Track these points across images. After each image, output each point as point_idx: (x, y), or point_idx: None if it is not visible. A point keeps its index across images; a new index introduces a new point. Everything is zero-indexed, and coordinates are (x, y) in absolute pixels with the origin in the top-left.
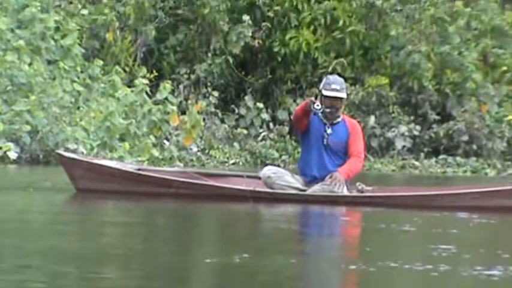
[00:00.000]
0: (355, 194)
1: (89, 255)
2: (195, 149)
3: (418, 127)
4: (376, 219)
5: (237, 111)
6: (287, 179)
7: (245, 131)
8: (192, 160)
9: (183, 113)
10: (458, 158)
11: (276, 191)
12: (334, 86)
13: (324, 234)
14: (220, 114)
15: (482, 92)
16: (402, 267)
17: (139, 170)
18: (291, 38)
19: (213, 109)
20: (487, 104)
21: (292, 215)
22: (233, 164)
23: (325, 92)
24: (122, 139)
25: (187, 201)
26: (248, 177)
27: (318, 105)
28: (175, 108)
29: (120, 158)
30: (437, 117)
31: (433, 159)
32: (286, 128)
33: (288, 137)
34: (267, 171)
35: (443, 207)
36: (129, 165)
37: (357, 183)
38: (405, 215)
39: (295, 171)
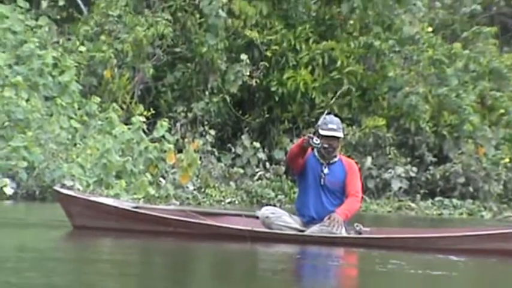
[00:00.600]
0: (353, 235)
1: None
2: (191, 188)
3: (414, 169)
4: (375, 261)
5: (233, 150)
6: (285, 219)
7: (241, 170)
8: (188, 198)
9: (180, 151)
10: (454, 200)
11: (275, 231)
12: (331, 125)
13: (321, 276)
14: (216, 153)
15: (480, 135)
16: None
17: (136, 207)
18: (288, 78)
19: (209, 148)
20: (484, 146)
21: (290, 255)
22: (229, 203)
23: (322, 132)
24: (118, 176)
25: (185, 240)
26: (246, 216)
27: (316, 140)
28: (172, 146)
29: (116, 196)
30: (434, 159)
31: (429, 201)
32: (283, 168)
33: (284, 176)
34: (265, 211)
35: (442, 250)
36: (126, 203)
37: (355, 224)
38: (404, 257)
39: (291, 211)
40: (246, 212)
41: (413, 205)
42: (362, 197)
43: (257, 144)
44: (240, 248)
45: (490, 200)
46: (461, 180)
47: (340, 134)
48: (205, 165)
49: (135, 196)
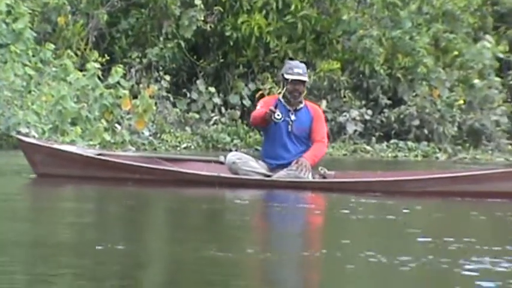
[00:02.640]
0: (320, 179)
1: (37, 242)
2: (146, 133)
3: (369, 112)
4: (341, 205)
5: (188, 95)
6: (252, 165)
7: (197, 115)
8: (143, 144)
9: (135, 97)
10: (409, 143)
11: (241, 176)
12: (297, 69)
13: (288, 220)
14: (172, 99)
15: (434, 77)
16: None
17: (100, 154)
18: (242, 22)
19: (164, 93)
20: (438, 88)
21: (258, 200)
22: (185, 148)
23: (287, 76)
24: (73, 123)
25: (151, 186)
26: (212, 162)
27: (278, 115)
28: (127, 92)
29: (72, 142)
30: (389, 102)
31: (384, 144)
32: (238, 113)
33: (239, 121)
34: (232, 156)
35: (408, 193)
36: (90, 150)
37: (319, 168)
38: (369, 201)
39: (249, 155)
40: (211, 157)
41: (368, 148)
42: (328, 142)
43: (212, 89)
44: (207, 194)
45: (444, 142)
46: (416, 122)
47: (305, 78)
48: (161, 111)
49: (90, 142)
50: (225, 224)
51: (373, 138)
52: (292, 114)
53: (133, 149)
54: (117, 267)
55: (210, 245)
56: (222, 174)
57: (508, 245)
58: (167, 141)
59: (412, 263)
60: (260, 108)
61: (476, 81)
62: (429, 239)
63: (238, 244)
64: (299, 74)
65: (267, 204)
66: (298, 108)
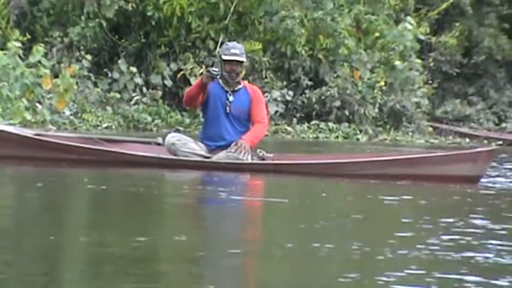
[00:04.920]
0: (259, 161)
1: None
2: (67, 113)
3: (290, 92)
4: (286, 188)
5: (110, 75)
6: (191, 146)
7: (118, 95)
8: (64, 124)
9: (56, 76)
10: (330, 124)
11: (181, 157)
12: (234, 50)
13: (225, 202)
14: (93, 78)
15: (355, 58)
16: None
17: (38, 135)
18: (164, 2)
19: (86, 73)
20: (359, 70)
21: (196, 181)
22: (106, 127)
23: (224, 57)
24: None
25: (88, 167)
26: (150, 143)
27: (215, 69)
28: (48, 71)
29: None
30: (310, 83)
31: (306, 125)
32: (160, 93)
33: (161, 101)
34: (171, 138)
35: (347, 176)
36: (27, 131)
37: (258, 150)
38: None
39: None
40: (150, 139)
41: (289, 129)
42: (267, 123)
43: (134, 69)
44: (145, 175)
45: (365, 123)
46: (337, 103)
47: (243, 59)
48: (82, 91)
49: (11, 122)
50: (152, 208)
51: (294, 119)
52: (230, 95)
53: (54, 128)
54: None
55: (130, 230)
56: (161, 155)
57: (399, 231)
58: (88, 120)
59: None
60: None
61: (397, 63)
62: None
63: (157, 229)
64: (235, 54)
65: (203, 186)
66: (236, 89)
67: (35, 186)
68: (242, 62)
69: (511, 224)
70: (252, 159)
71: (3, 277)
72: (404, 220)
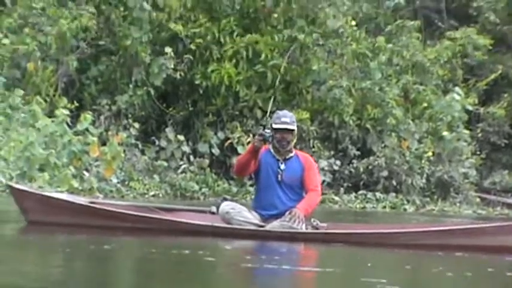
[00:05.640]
0: (314, 230)
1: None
2: (115, 181)
3: (338, 162)
4: (334, 257)
5: (157, 143)
6: (245, 215)
7: (165, 163)
8: (111, 191)
9: (104, 144)
10: (377, 194)
11: (235, 226)
12: (284, 119)
13: (281, 273)
14: (140, 146)
15: (403, 128)
16: None
17: (91, 203)
18: (212, 71)
19: (133, 141)
20: (407, 140)
21: (249, 251)
22: (153, 196)
23: (275, 126)
24: (41, 169)
25: (144, 236)
26: (205, 212)
27: (267, 131)
28: (95, 139)
29: (40, 189)
30: (358, 153)
31: (353, 195)
32: (207, 161)
33: (208, 169)
34: (226, 206)
35: (402, 246)
36: (81, 198)
37: (312, 220)
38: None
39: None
40: (203, 207)
41: (336, 198)
42: (321, 191)
43: (181, 137)
44: (200, 244)
45: (413, 194)
46: (385, 173)
47: (293, 127)
48: (129, 158)
49: (58, 189)
50: (206, 277)
51: (342, 189)
52: (281, 163)
53: (101, 196)
54: None
55: None
56: (215, 224)
57: None
58: (135, 188)
59: None
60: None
61: (445, 133)
62: None
63: None
64: (286, 122)
65: (257, 255)
66: (287, 157)
67: (87, 254)
68: (293, 130)
69: None
70: (306, 229)
71: None
72: None
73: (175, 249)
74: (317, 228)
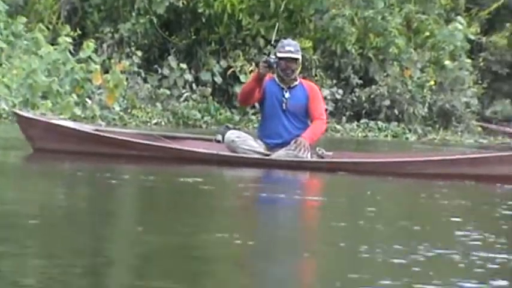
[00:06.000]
0: (319, 159)
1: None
2: (117, 108)
3: (340, 91)
4: (338, 186)
5: (160, 71)
6: (251, 144)
7: (168, 92)
8: (114, 119)
9: (106, 72)
10: (379, 123)
11: (240, 155)
12: (288, 48)
13: (285, 202)
14: (143, 74)
15: (405, 57)
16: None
17: (97, 130)
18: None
19: (136, 69)
20: (409, 69)
21: (254, 180)
22: (155, 124)
23: (279, 54)
24: (44, 97)
25: (150, 163)
26: (211, 140)
27: (272, 57)
28: (98, 67)
29: (44, 115)
30: (360, 82)
31: (355, 123)
32: (209, 89)
33: (210, 98)
34: (231, 135)
35: (409, 175)
36: (87, 126)
37: (317, 148)
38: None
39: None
40: (208, 136)
41: (338, 127)
42: (326, 120)
43: (184, 66)
44: (204, 172)
45: (414, 123)
46: (387, 102)
47: (298, 56)
48: (132, 86)
49: (61, 116)
50: (209, 205)
51: (344, 118)
52: (286, 92)
53: (104, 123)
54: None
55: (182, 227)
56: (221, 152)
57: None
58: (138, 116)
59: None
60: None
61: (447, 62)
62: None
63: (211, 226)
64: (291, 51)
65: (262, 184)
66: (292, 85)
67: (91, 181)
68: (297, 59)
69: None
70: (312, 157)
71: (47, 266)
72: (453, 220)
73: (180, 177)
74: (322, 157)
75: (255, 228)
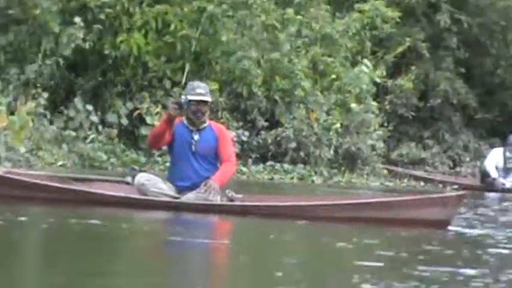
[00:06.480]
0: (229, 202)
1: None
2: (22, 150)
3: (246, 133)
4: (245, 230)
5: (66, 112)
6: (161, 186)
7: (74, 133)
8: (19, 161)
9: (12, 113)
10: (285, 165)
11: (150, 197)
12: (199, 90)
13: (187, 247)
14: (49, 116)
15: (311, 100)
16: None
17: (7, 173)
18: (121, 41)
19: (42, 110)
20: (315, 111)
21: (164, 222)
22: (61, 165)
23: (190, 97)
24: None
25: (59, 206)
26: (120, 182)
27: (183, 97)
28: (4, 108)
29: None
30: (266, 124)
31: (261, 166)
32: (115, 131)
33: (116, 139)
34: (141, 178)
35: (319, 218)
36: None
37: (227, 191)
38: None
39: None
40: (118, 178)
41: (244, 169)
42: (236, 162)
43: (90, 107)
44: (115, 215)
45: (320, 165)
46: (293, 145)
47: (208, 98)
48: (38, 128)
49: None
50: (119, 247)
51: (250, 160)
52: (195, 134)
53: (10, 165)
54: None
55: (92, 270)
56: (131, 195)
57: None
58: (43, 158)
59: None
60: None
61: (353, 105)
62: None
63: (120, 268)
64: (201, 94)
65: (171, 227)
66: (201, 128)
67: (4, 223)
68: (208, 101)
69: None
70: (221, 200)
71: None
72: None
73: (90, 219)
74: (232, 200)
75: (160, 271)
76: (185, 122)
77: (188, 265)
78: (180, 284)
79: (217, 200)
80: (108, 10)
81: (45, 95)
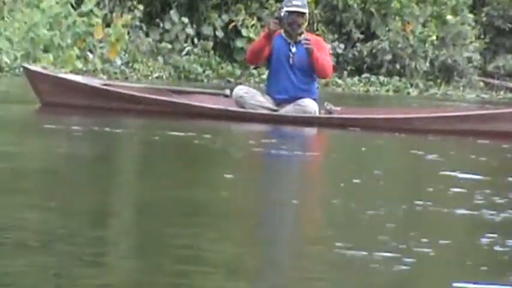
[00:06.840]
0: (327, 115)
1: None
2: (119, 62)
3: (342, 45)
4: (342, 142)
5: (161, 25)
6: (259, 99)
7: (169, 45)
8: (115, 73)
9: (108, 25)
10: (381, 77)
11: (248, 110)
12: (296, 2)
13: (290, 158)
14: (145, 28)
15: (407, 12)
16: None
17: (105, 85)
18: None
19: (137, 23)
20: (411, 23)
21: (261, 135)
22: (156, 77)
23: (287, 8)
24: (45, 50)
25: (157, 118)
26: (218, 95)
27: (282, 12)
28: (100, 20)
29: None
30: (362, 36)
31: (356, 78)
32: (211, 43)
33: (212, 52)
34: (239, 90)
35: (417, 130)
36: (95, 80)
37: (325, 103)
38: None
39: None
40: (215, 90)
41: (340, 81)
42: (334, 69)
43: (185, 20)
44: (213, 127)
45: (416, 77)
46: (388, 57)
47: (304, 10)
48: (133, 40)
49: (62, 70)
50: (214, 160)
51: (345, 72)
52: (292, 46)
53: (105, 77)
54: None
55: (186, 181)
56: (229, 108)
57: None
58: (139, 70)
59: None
60: None
61: (449, 17)
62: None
63: (214, 181)
64: (297, 6)
65: (269, 139)
66: (298, 40)
67: (96, 135)
68: (304, 13)
69: None
70: (320, 113)
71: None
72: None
73: (188, 132)
74: (331, 112)
75: (255, 182)
76: (283, 34)
77: (281, 176)
78: (273, 194)
79: (315, 112)
80: None
81: (141, 7)
